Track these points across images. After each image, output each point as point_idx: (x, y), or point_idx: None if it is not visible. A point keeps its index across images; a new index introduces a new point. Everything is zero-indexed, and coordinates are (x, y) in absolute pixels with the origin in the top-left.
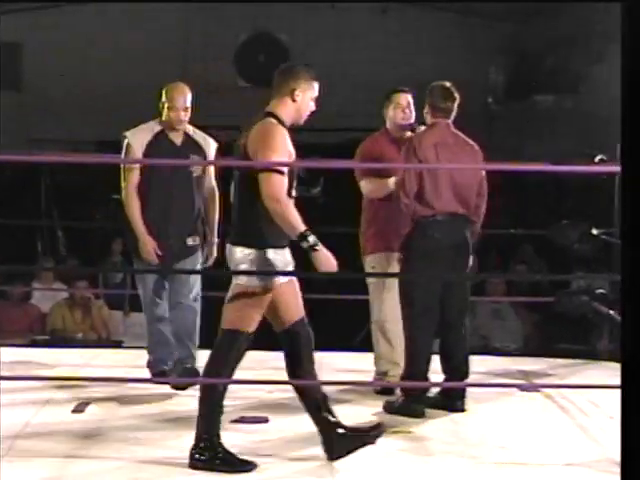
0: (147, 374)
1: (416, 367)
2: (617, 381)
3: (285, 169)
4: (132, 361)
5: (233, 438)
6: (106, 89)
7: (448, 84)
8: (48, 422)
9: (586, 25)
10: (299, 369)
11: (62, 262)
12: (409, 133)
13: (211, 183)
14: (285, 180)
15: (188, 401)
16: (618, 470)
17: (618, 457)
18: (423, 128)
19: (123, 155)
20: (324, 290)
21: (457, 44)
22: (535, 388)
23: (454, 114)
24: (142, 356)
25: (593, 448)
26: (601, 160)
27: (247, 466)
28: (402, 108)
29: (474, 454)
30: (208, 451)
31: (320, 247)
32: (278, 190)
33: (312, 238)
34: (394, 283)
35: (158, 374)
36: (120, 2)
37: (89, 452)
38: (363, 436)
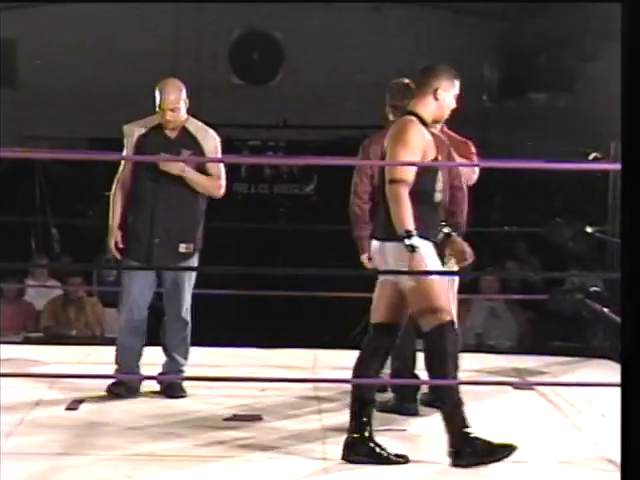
0: (142, 371)
1: (402, 366)
2: (611, 379)
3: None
4: None
5: (226, 436)
6: (99, 86)
7: (407, 81)
8: (42, 419)
9: (580, 24)
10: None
11: (56, 259)
12: None
13: (213, 177)
14: (410, 173)
15: (182, 398)
16: (612, 468)
17: (612, 455)
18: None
19: (125, 147)
20: (320, 287)
21: (451, 42)
22: (529, 386)
23: None
24: None
25: (587, 446)
26: (595, 158)
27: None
28: None
29: None
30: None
31: (418, 250)
32: (401, 176)
33: (415, 240)
34: None
35: (119, 385)
36: (114, 1)
37: (83, 449)
38: (382, 453)
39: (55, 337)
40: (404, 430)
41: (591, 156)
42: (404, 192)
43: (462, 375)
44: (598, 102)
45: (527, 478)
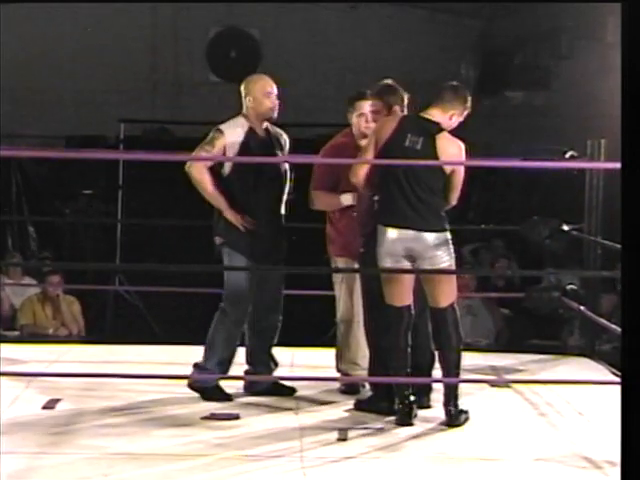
0: (116, 369)
1: (381, 365)
2: (588, 376)
3: None
4: (103, 357)
5: (203, 435)
6: (76, 85)
7: (389, 81)
8: (19, 418)
9: (555, 22)
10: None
11: (33, 257)
12: None
13: None
14: None
15: (159, 397)
16: (588, 465)
17: (588, 453)
18: None
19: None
20: (296, 285)
21: (427, 41)
22: (506, 383)
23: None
24: (113, 351)
25: (563, 444)
26: (572, 156)
27: None
28: (365, 117)
29: (444, 450)
30: None
31: None
32: None
33: None
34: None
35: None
36: (92, 0)
37: (60, 448)
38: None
39: (32, 336)
40: (381, 428)
41: (567, 154)
42: None
43: (439, 373)
44: (574, 100)
45: (503, 476)
